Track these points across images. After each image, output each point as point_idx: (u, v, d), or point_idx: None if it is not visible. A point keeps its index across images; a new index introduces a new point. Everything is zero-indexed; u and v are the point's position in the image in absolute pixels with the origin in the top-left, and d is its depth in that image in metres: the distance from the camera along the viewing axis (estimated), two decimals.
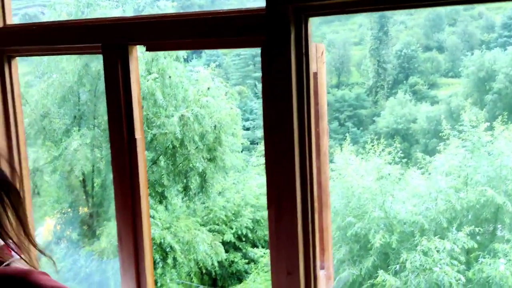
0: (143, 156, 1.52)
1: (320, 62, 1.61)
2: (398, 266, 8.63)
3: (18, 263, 1.19)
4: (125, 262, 1.52)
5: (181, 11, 12.89)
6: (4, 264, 1.17)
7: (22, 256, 1.21)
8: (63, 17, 9.77)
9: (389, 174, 10.05)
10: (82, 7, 9.94)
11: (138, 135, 1.50)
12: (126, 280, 1.53)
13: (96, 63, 9.53)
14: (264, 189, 11.49)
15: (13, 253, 1.23)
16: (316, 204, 1.35)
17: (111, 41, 1.44)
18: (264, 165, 1.38)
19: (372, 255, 9.06)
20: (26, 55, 1.73)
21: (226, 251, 11.61)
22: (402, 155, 12.14)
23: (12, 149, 1.69)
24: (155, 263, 9.66)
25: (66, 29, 1.53)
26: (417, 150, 17.88)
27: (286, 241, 1.31)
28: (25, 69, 11.86)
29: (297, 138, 1.28)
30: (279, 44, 1.24)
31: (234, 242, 12.28)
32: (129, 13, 10.69)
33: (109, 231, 9.52)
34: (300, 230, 1.31)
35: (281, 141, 1.28)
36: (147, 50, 1.43)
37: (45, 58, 9.52)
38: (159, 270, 9.86)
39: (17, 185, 1.59)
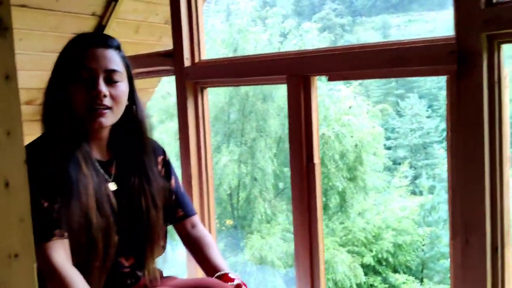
0: (319, 180, 1.60)
1: (504, 87, 1.54)
2: None
3: None
4: (302, 281, 1.61)
5: (324, 32, 13.09)
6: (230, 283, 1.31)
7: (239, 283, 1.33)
8: (218, 43, 10.59)
9: None
10: (234, 33, 10.69)
11: (316, 160, 1.59)
12: None
13: None
14: (406, 212, 10.97)
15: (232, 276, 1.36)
16: (505, 238, 1.29)
17: (295, 72, 1.55)
18: (448, 196, 1.36)
19: None
20: (216, 86, 1.95)
21: (365, 274, 11.27)
22: None
23: (201, 167, 1.90)
24: None
25: (255, 62, 1.69)
26: None
27: (473, 277, 1.26)
28: None
29: (488, 169, 1.24)
30: (470, 73, 1.23)
31: (374, 266, 11.89)
32: (276, 36, 11.18)
33: (252, 243, 9.92)
34: (489, 266, 1.25)
35: (470, 171, 1.25)
36: (329, 80, 1.51)
37: None
38: None
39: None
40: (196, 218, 1.48)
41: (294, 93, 1.57)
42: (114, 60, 1.25)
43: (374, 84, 22.33)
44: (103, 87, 1.20)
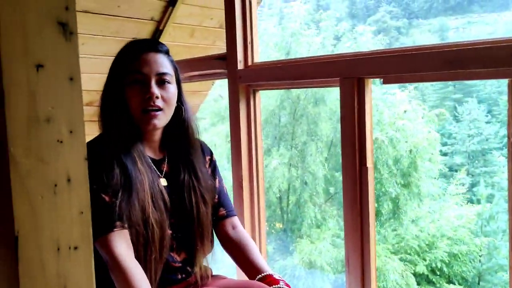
0: (372, 184, 1.57)
1: None
2: None
3: None
4: (353, 285, 1.58)
5: (378, 35, 12.85)
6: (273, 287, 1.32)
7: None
8: (270, 47, 10.64)
9: None
10: (287, 37, 10.70)
11: (369, 164, 1.56)
12: None
13: None
14: (463, 221, 10.55)
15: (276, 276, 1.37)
16: None
17: (349, 75, 1.53)
18: (508, 205, 1.30)
19: None
20: (269, 89, 1.96)
21: (418, 284, 10.93)
22: None
23: (252, 170, 1.92)
24: None
25: (308, 65, 1.69)
26: None
27: None
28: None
29: None
30: None
31: (427, 275, 11.50)
32: (329, 39, 11.08)
33: (302, 248, 9.86)
34: None
35: None
36: (383, 83, 1.48)
37: None
38: None
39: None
40: (237, 220, 1.51)
41: (347, 96, 1.55)
42: (164, 64, 1.33)
43: (430, 88, 21.62)
44: (156, 89, 1.29)
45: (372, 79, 1.55)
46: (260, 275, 1.35)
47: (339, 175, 10.96)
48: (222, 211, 1.47)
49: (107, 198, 1.21)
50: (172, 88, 1.33)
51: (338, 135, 10.52)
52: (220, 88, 10.05)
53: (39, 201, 0.67)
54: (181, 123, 1.39)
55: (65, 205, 0.70)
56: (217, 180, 1.48)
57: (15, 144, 0.65)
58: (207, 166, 1.47)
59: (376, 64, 1.48)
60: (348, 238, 1.59)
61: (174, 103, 1.35)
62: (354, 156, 1.55)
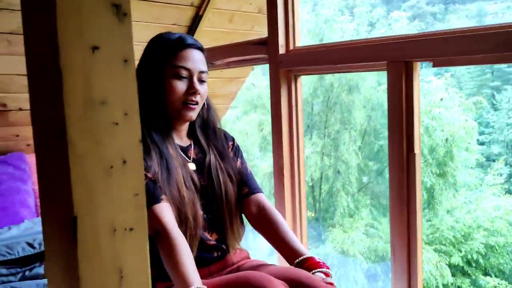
0: (420, 171, 1.52)
1: None
2: None
3: (320, 274, 1.32)
4: (398, 274, 1.54)
5: (414, 21, 12.51)
6: (312, 271, 1.32)
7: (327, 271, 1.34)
8: (304, 33, 10.51)
9: None
10: (320, 23, 10.54)
11: (416, 150, 1.51)
12: None
13: (329, 75, 9.99)
14: (500, 212, 10.27)
15: (317, 260, 1.36)
16: None
17: (397, 58, 1.48)
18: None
19: None
20: (311, 74, 1.92)
21: (453, 275, 10.71)
22: None
23: (293, 154, 1.89)
24: None
25: (352, 49, 1.64)
26: None
27: None
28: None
29: None
30: None
31: (462, 267, 11.25)
32: (363, 26, 10.86)
33: (334, 237, 9.81)
34: None
35: None
36: (434, 66, 1.42)
37: None
38: None
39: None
40: (262, 197, 1.52)
41: (395, 80, 1.50)
42: (204, 63, 1.43)
43: (467, 76, 20.97)
44: (198, 86, 1.38)
45: (419, 63, 1.50)
46: (299, 258, 1.35)
47: (372, 164, 10.81)
48: (245, 190, 1.51)
49: (149, 175, 1.28)
50: (206, 86, 1.43)
51: (372, 124, 10.35)
52: (252, 76, 10.02)
53: (95, 183, 0.67)
54: (206, 117, 1.51)
55: (120, 187, 0.70)
56: (239, 161, 1.55)
57: (73, 126, 0.65)
58: (229, 149, 1.55)
59: (424, 47, 1.43)
60: (394, 227, 1.55)
61: (205, 99, 1.46)
62: (401, 142, 1.51)
